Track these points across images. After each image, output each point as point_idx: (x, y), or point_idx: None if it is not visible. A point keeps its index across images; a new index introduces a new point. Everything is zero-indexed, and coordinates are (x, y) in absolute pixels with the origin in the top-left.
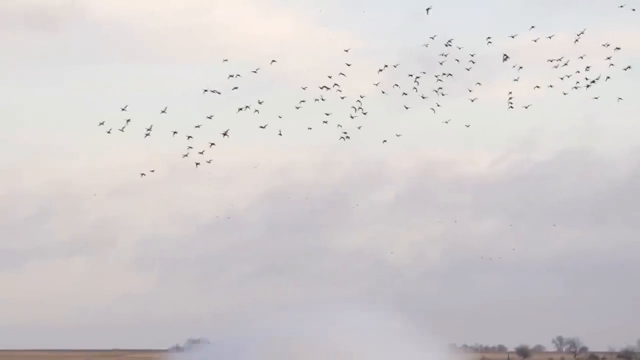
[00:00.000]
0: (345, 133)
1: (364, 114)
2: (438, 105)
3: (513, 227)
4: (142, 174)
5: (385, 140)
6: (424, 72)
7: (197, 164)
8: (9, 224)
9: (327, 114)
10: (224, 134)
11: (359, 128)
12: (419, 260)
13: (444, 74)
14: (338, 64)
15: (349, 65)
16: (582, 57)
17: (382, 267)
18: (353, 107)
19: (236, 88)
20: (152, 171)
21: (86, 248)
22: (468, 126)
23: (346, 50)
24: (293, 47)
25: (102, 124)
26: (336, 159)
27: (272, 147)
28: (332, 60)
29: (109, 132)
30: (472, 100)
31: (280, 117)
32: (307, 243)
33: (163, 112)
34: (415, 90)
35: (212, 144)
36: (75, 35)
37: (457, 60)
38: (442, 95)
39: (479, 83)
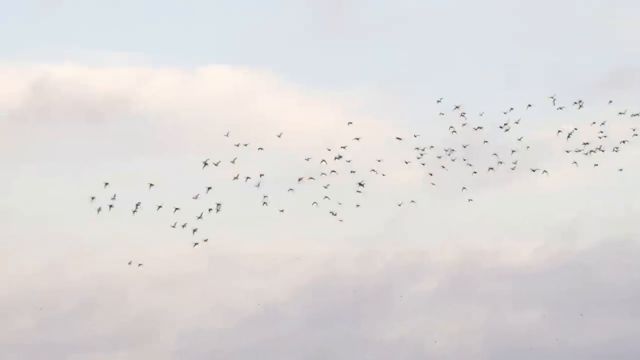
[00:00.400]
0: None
1: (412, 201)
2: (478, 195)
3: (555, 316)
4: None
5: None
6: (468, 163)
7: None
8: (52, 318)
9: (368, 204)
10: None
11: (401, 218)
12: (460, 351)
13: (490, 168)
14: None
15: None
16: (616, 149)
17: (423, 358)
18: (395, 197)
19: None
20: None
21: (128, 341)
22: (508, 215)
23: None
24: (336, 136)
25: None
26: (378, 250)
27: (314, 239)
28: (375, 149)
29: (151, 225)
30: (513, 189)
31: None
32: (348, 334)
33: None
34: (455, 180)
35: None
36: (119, 128)
37: (496, 155)
38: (483, 185)
39: (519, 171)
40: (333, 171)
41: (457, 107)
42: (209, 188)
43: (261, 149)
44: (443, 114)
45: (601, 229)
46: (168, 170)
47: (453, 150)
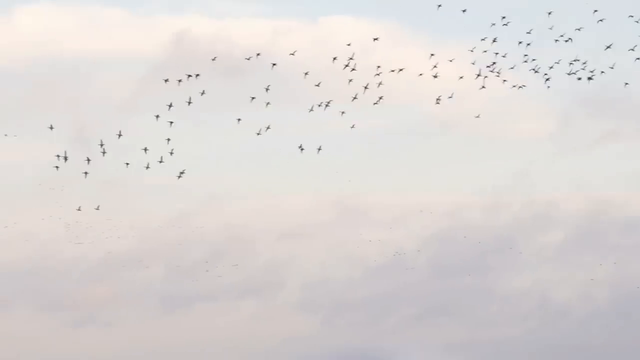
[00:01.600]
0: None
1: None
2: (608, 147)
3: None
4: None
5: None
6: (595, 115)
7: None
8: (181, 268)
9: (495, 156)
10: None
11: (529, 169)
12: (586, 303)
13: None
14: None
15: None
16: None
17: (547, 309)
18: (523, 148)
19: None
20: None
21: (254, 291)
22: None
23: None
24: (463, 87)
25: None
26: (504, 201)
27: (441, 190)
28: (503, 100)
29: (280, 176)
30: None
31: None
32: (473, 285)
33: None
34: (584, 131)
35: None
36: (259, 81)
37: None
38: (614, 137)
39: None
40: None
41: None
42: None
43: (380, 99)
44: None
45: None
46: (298, 119)
47: (585, 101)
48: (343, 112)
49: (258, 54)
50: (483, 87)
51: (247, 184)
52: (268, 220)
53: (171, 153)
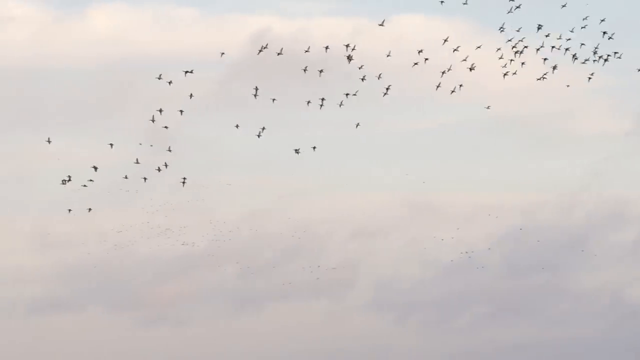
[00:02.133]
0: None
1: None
2: None
3: None
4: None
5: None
6: None
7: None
8: (253, 267)
9: (568, 154)
10: None
11: (603, 167)
12: None
13: None
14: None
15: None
16: None
17: (619, 308)
18: (597, 146)
19: None
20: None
21: (326, 290)
22: None
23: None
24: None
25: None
26: (578, 199)
27: (514, 188)
28: (576, 98)
29: (353, 175)
30: None
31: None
32: (545, 284)
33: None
34: None
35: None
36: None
37: None
38: None
39: None
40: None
41: None
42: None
43: (452, 95)
44: None
45: None
46: (372, 118)
47: None
48: (416, 111)
49: (331, 51)
50: (556, 84)
51: (320, 183)
52: (340, 219)
53: (247, 153)
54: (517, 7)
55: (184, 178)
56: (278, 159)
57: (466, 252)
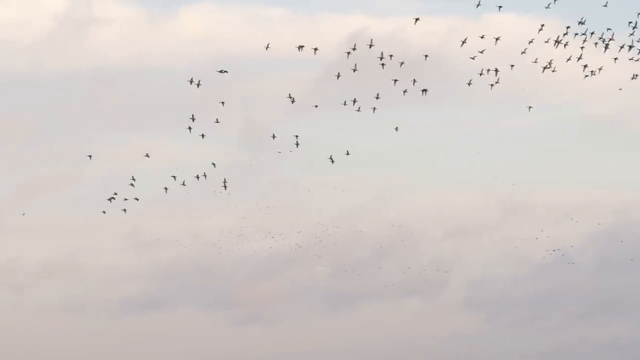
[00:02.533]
0: None
1: None
2: None
3: None
4: None
5: None
6: None
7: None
8: (346, 266)
9: None
10: None
11: None
12: None
13: None
14: None
15: None
16: None
17: None
18: None
19: None
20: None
21: (419, 289)
22: None
23: None
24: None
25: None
26: None
27: (606, 186)
28: None
29: (447, 174)
30: None
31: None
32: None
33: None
34: None
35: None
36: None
37: None
38: None
39: None
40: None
41: None
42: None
43: (543, 94)
44: None
45: None
46: (470, 117)
47: None
48: (510, 110)
49: (427, 51)
50: None
51: (413, 182)
52: (434, 218)
53: (347, 153)
54: (604, 5)
55: (279, 176)
56: (374, 158)
57: (559, 250)
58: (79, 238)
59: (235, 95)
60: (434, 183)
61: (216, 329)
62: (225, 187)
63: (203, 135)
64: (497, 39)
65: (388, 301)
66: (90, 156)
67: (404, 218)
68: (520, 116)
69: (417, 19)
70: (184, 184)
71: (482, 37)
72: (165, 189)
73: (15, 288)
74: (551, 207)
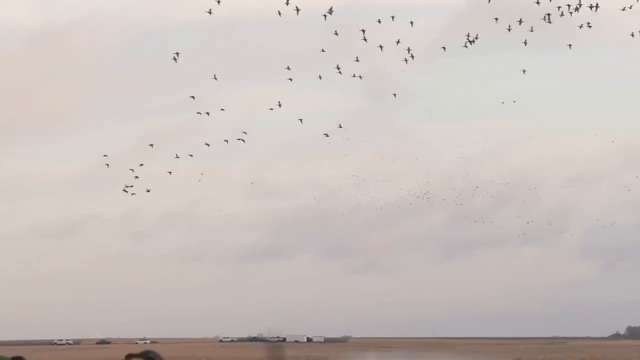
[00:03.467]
0: None
1: None
2: None
3: None
4: None
5: None
6: None
7: None
8: (463, 214)
9: None
10: None
11: None
12: None
13: None
14: None
15: None
16: None
17: None
18: None
19: None
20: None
21: (537, 237)
22: None
23: None
24: None
25: None
26: None
27: None
28: None
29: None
30: None
31: None
32: None
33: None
34: None
35: None
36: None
37: None
38: None
39: None
40: None
41: None
42: None
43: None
44: None
45: None
46: (596, 63)
47: None
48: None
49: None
50: None
51: (535, 129)
52: (552, 166)
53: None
54: None
55: (401, 125)
56: (493, 106)
57: None
58: (200, 188)
59: (361, 42)
60: (556, 129)
61: (333, 277)
62: (344, 137)
63: (326, 87)
64: None
65: (505, 248)
66: (214, 109)
67: (523, 166)
68: None
69: None
70: (304, 133)
71: None
72: (289, 139)
73: (136, 237)
74: None
